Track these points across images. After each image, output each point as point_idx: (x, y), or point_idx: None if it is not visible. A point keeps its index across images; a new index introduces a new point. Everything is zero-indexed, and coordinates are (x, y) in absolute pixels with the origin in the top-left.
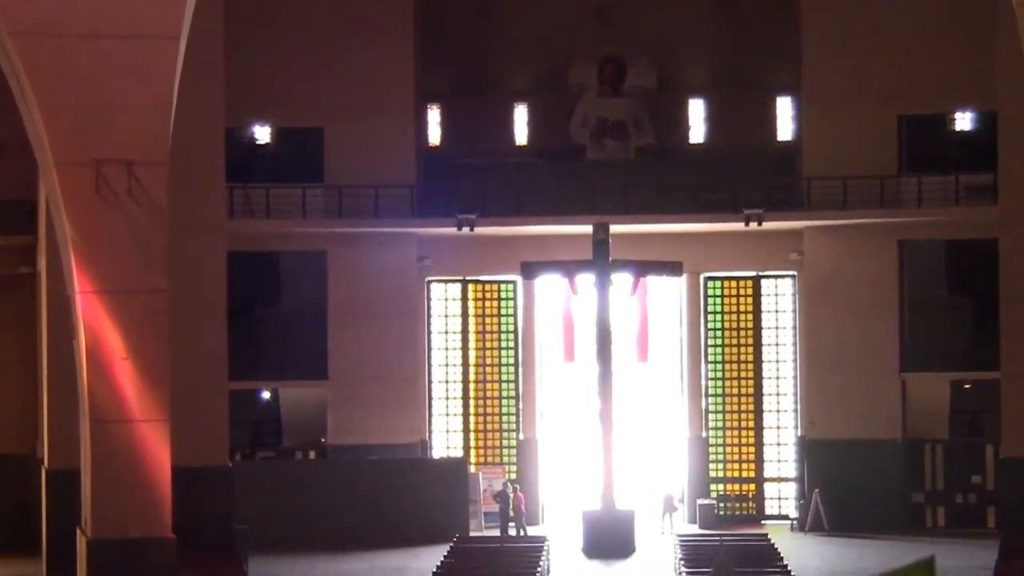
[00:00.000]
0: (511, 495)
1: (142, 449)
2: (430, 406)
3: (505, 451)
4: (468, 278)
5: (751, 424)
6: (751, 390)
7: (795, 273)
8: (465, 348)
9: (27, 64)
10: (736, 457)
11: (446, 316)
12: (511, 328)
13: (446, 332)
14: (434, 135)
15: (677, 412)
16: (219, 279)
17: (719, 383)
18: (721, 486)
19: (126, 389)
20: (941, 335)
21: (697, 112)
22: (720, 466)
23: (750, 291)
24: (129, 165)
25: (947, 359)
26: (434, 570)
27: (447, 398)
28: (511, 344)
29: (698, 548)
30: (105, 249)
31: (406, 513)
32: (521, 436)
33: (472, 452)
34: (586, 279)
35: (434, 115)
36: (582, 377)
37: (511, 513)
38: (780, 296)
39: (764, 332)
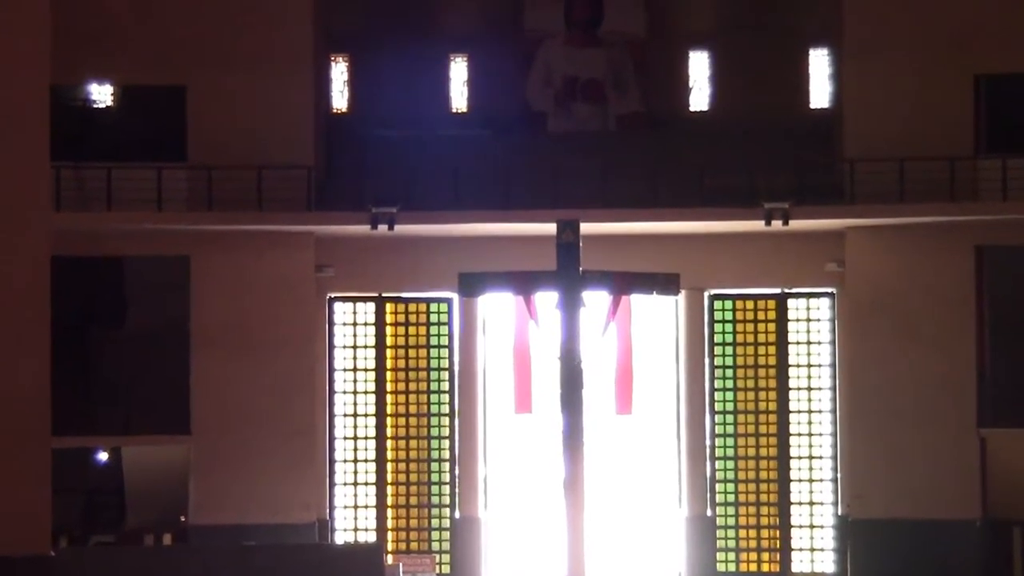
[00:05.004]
0: None
1: None
2: (332, 472)
3: (435, 534)
4: (386, 294)
5: (774, 499)
6: (774, 452)
7: (834, 290)
8: (381, 391)
9: None
10: (754, 544)
11: (355, 347)
12: (444, 364)
13: (355, 369)
14: (340, 98)
15: (673, 482)
16: (40, 293)
17: (730, 441)
18: None
19: None
20: None
21: (700, 68)
22: (731, 556)
23: (773, 315)
24: None
25: None
26: None
27: (355, 460)
28: (444, 387)
29: None
30: None
31: None
32: (457, 514)
33: (390, 536)
34: (548, 298)
35: (340, 70)
36: (542, 434)
37: None
38: (814, 322)
39: (792, 371)
